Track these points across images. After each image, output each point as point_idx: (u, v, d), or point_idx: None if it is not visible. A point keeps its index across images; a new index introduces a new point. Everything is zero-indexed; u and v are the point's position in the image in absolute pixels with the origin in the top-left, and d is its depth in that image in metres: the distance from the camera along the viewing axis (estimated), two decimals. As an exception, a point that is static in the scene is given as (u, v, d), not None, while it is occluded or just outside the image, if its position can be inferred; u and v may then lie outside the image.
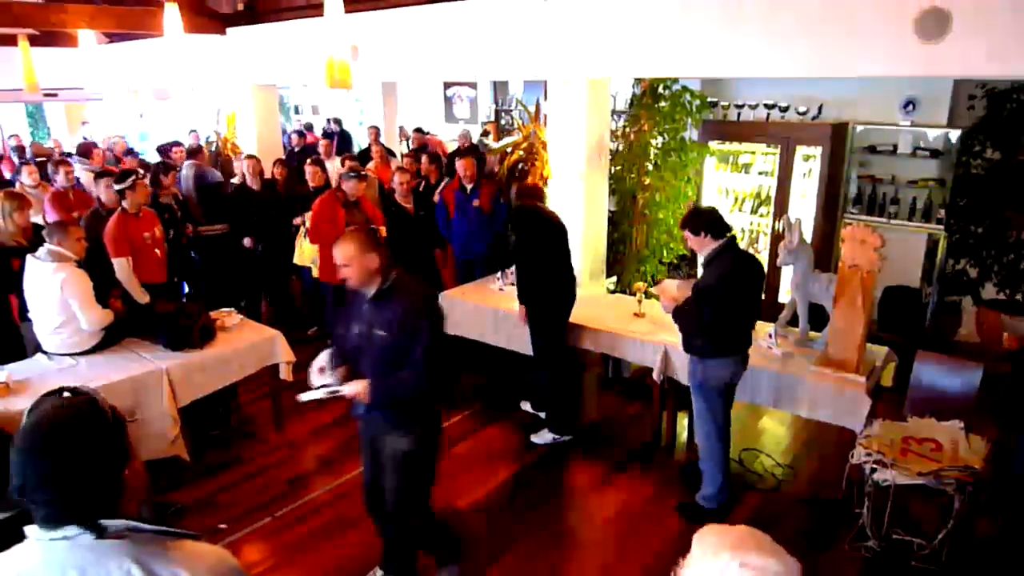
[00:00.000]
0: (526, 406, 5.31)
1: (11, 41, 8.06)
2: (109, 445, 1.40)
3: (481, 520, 4.11)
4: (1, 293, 4.91)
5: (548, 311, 4.81)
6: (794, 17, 4.25)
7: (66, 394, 1.42)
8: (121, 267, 4.94)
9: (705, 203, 6.52)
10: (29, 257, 4.25)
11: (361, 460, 3.45)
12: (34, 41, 8.25)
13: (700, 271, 3.90)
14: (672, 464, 4.69)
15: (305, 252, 5.98)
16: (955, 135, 5.85)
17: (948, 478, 3.47)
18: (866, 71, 4.18)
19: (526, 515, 4.15)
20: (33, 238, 4.69)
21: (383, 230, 5.57)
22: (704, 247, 3.78)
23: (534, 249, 4.70)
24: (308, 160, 6.93)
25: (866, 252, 4.01)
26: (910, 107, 6.03)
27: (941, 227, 5.97)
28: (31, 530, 1.36)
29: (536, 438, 4.93)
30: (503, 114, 12.67)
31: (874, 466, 3.61)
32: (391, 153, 9.30)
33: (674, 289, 3.99)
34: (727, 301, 3.72)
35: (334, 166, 7.74)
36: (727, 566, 1.10)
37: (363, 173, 6.06)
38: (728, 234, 3.79)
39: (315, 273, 5.68)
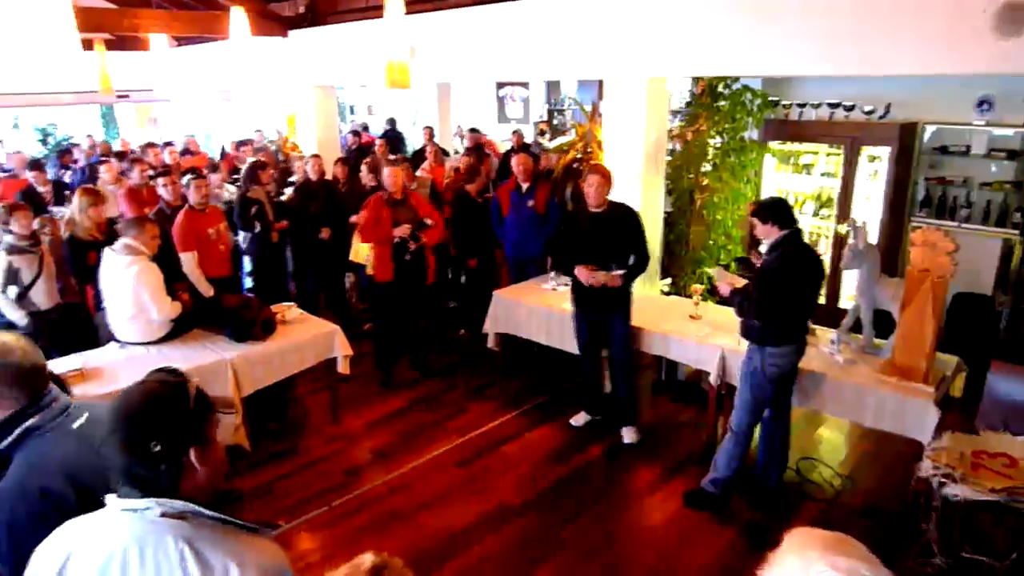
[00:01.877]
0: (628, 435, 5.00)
1: (87, 46, 8.45)
2: (176, 427, 1.46)
3: (532, 519, 4.11)
4: (78, 285, 5.14)
5: None
6: (858, 12, 4.12)
7: (162, 374, 1.53)
8: (187, 261, 5.12)
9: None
10: (106, 250, 4.43)
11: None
12: (109, 45, 8.63)
13: (764, 258, 3.90)
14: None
15: (360, 250, 6.08)
16: (1035, 135, 5.59)
17: (1021, 496, 3.31)
18: (935, 68, 4.02)
19: (577, 516, 4.13)
20: (108, 232, 4.88)
21: (432, 223, 5.60)
22: (770, 235, 3.82)
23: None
24: (364, 160, 7.05)
25: (937, 256, 3.86)
26: (985, 106, 5.77)
27: (1017, 232, 5.69)
28: (109, 499, 1.47)
29: (627, 438, 4.91)
30: (555, 114, 12.66)
31: (943, 480, 3.47)
32: (445, 153, 9.38)
33: (732, 277, 4.04)
34: (788, 287, 3.74)
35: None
36: (813, 565, 1.07)
37: (396, 158, 6.15)
38: (794, 226, 3.82)
39: (369, 271, 5.77)
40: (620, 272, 4.56)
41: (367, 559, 1.22)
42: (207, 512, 1.46)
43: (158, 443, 1.43)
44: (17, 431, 1.77)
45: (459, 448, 4.87)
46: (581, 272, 4.57)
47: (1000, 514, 3.44)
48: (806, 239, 6.55)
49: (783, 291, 3.74)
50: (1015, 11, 3.64)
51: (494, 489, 4.40)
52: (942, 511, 3.53)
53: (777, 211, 3.82)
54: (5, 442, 1.76)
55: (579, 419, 5.14)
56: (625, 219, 4.70)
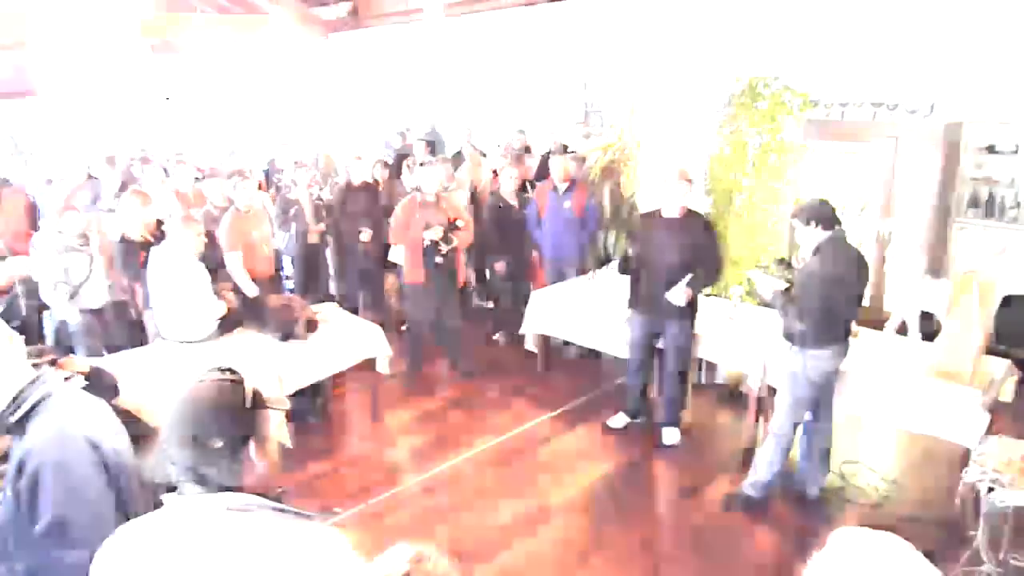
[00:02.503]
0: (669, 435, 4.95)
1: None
2: (235, 424, 1.54)
3: (572, 519, 4.12)
4: (128, 283, 5.29)
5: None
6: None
7: (219, 373, 1.59)
8: (233, 261, 5.23)
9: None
10: (153, 250, 4.57)
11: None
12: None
13: (807, 260, 3.84)
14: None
15: (396, 251, 6.12)
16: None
17: (1075, 501, 3.23)
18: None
19: (616, 517, 4.13)
20: (158, 233, 5.02)
21: (463, 226, 5.64)
22: (812, 238, 3.76)
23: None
24: (406, 162, 7.12)
25: (985, 257, 3.78)
26: (1035, 104, 5.61)
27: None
28: (172, 496, 1.52)
29: (668, 439, 4.87)
30: (591, 115, 12.59)
31: (991, 485, 3.40)
32: (483, 154, 9.42)
33: (772, 280, 3.99)
34: (831, 289, 3.69)
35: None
36: (859, 563, 1.07)
37: (434, 160, 6.22)
38: (837, 227, 3.76)
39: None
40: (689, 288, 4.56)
41: (407, 548, 1.26)
42: (270, 503, 1.53)
43: (220, 440, 1.51)
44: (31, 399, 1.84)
45: (497, 448, 4.90)
46: (679, 295, 4.51)
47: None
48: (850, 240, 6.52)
49: (824, 293, 3.69)
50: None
51: (533, 489, 4.42)
52: (990, 517, 3.46)
53: (819, 212, 3.77)
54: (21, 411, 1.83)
55: (618, 421, 5.12)
56: (701, 226, 4.67)
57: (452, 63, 5.22)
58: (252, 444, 1.56)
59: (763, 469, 4.08)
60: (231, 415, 1.53)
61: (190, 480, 1.51)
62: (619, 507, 4.23)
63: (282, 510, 1.53)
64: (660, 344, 4.92)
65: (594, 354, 5.61)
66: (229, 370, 1.61)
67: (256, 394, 1.59)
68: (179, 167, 6.83)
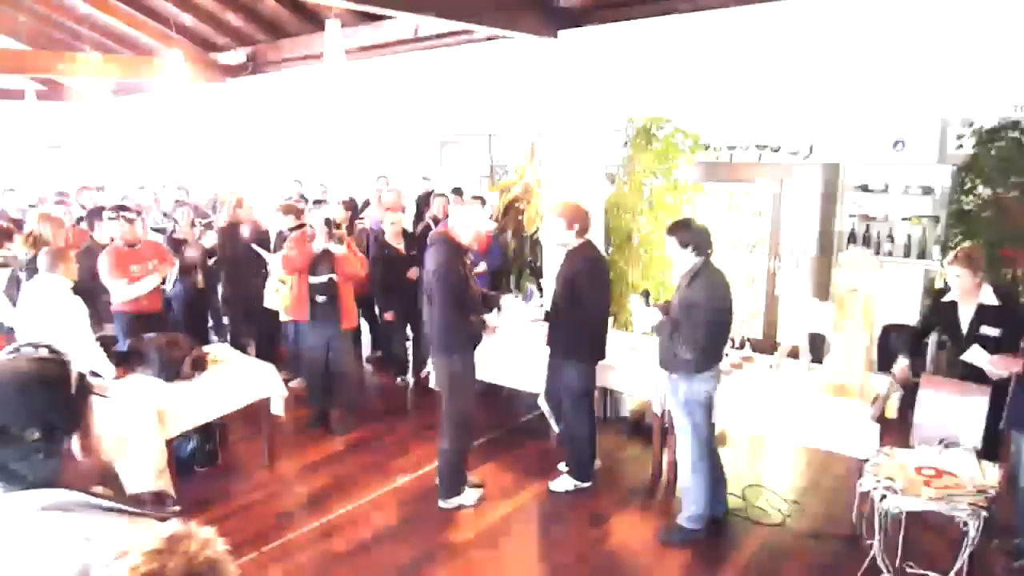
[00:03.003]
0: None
1: (18, 96, 8.26)
2: (57, 411, 1.31)
3: (478, 555, 3.95)
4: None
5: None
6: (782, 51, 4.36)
7: (34, 349, 1.35)
8: (119, 288, 4.92)
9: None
10: (26, 284, 4.24)
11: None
12: (40, 96, 8.45)
13: (680, 284, 3.90)
14: (675, 500, 4.53)
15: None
16: (945, 172, 5.94)
17: (961, 503, 3.35)
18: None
19: (522, 553, 4.00)
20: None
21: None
22: (685, 262, 3.85)
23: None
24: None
25: (864, 275, 3.99)
26: (899, 146, 6.12)
27: (937, 263, 5.97)
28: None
29: (556, 486, 4.62)
30: (497, 169, 12.84)
31: (884, 493, 3.49)
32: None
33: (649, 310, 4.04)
34: (713, 313, 3.79)
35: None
36: None
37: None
38: (709, 251, 3.86)
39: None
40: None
41: (166, 527, 1.08)
42: (95, 500, 1.28)
43: (37, 430, 1.27)
44: None
45: (401, 489, 4.69)
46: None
47: (941, 525, 3.48)
48: (742, 276, 6.81)
49: (709, 318, 3.77)
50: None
51: (438, 528, 4.22)
52: (884, 525, 3.54)
53: (695, 238, 3.80)
54: None
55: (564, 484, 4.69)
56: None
57: (353, 108, 5.19)
58: (75, 437, 1.32)
59: (693, 502, 4.01)
60: (52, 400, 1.30)
61: None
62: (526, 542, 4.10)
63: (112, 508, 1.28)
64: None
65: (493, 389, 5.52)
66: (46, 347, 1.36)
67: (81, 377, 1.36)
68: (58, 206, 6.42)
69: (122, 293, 5.02)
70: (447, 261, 4.05)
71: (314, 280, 5.35)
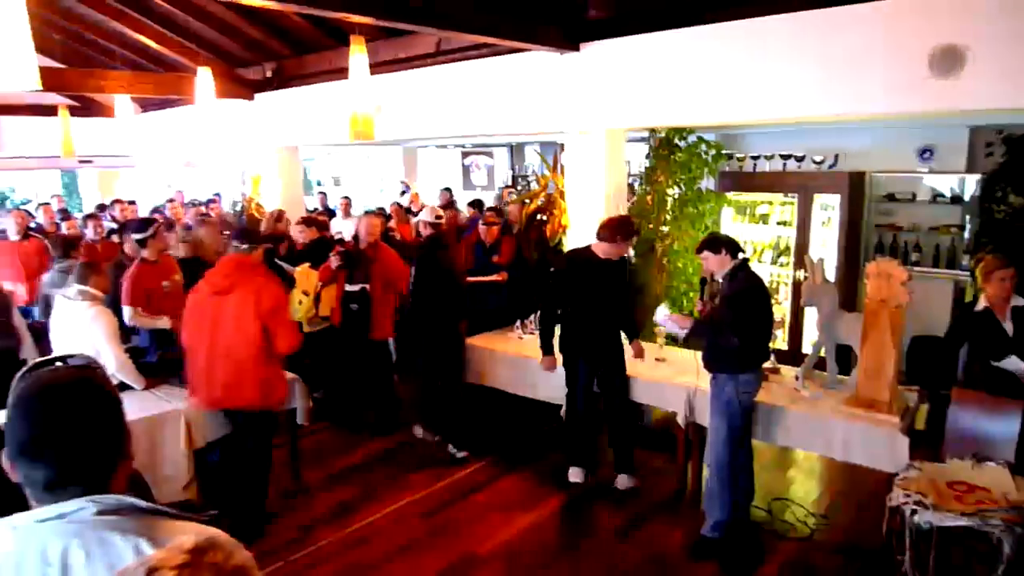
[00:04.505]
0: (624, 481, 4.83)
1: (52, 112, 8.47)
2: (112, 411, 1.35)
3: (503, 567, 3.94)
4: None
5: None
6: (803, 60, 4.34)
7: (64, 364, 1.37)
8: (128, 314, 4.88)
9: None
10: (59, 296, 4.30)
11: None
12: (73, 112, 8.65)
13: (723, 283, 3.94)
14: (700, 513, 4.49)
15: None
16: (974, 181, 5.85)
17: (994, 519, 3.28)
18: (876, 108, 4.22)
19: (549, 563, 3.98)
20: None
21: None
22: (724, 265, 3.89)
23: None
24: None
25: (893, 287, 3.94)
26: (927, 155, 6.05)
27: (967, 273, 5.88)
28: (10, 520, 1.27)
29: (624, 483, 4.77)
30: (519, 179, 12.91)
31: (914, 508, 3.43)
32: (409, 211, 9.48)
33: (677, 315, 4.11)
34: (760, 306, 3.85)
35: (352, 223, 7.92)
36: None
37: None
38: (742, 253, 3.94)
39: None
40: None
41: (190, 537, 1.06)
42: (142, 504, 1.31)
43: (104, 431, 1.31)
44: None
45: (425, 499, 4.70)
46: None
47: (972, 543, 3.40)
48: (766, 284, 6.76)
49: (757, 310, 3.83)
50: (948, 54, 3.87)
51: (462, 538, 4.23)
52: (915, 541, 3.48)
53: (726, 241, 3.94)
54: None
55: (576, 475, 4.89)
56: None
57: (378, 117, 5.24)
58: (125, 441, 1.36)
59: (715, 509, 4.00)
60: (104, 404, 1.33)
61: (59, 486, 1.26)
62: (552, 553, 4.08)
63: (157, 512, 1.32)
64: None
65: (521, 401, 5.53)
66: (81, 357, 1.39)
67: (119, 385, 1.43)
68: (87, 221, 6.55)
69: (128, 317, 4.88)
70: None
71: (349, 288, 5.54)
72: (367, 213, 6.12)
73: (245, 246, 4.08)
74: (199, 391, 4.09)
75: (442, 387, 5.46)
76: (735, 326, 3.79)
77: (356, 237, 5.74)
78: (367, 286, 5.54)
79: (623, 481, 4.78)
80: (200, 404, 4.12)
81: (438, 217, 5.51)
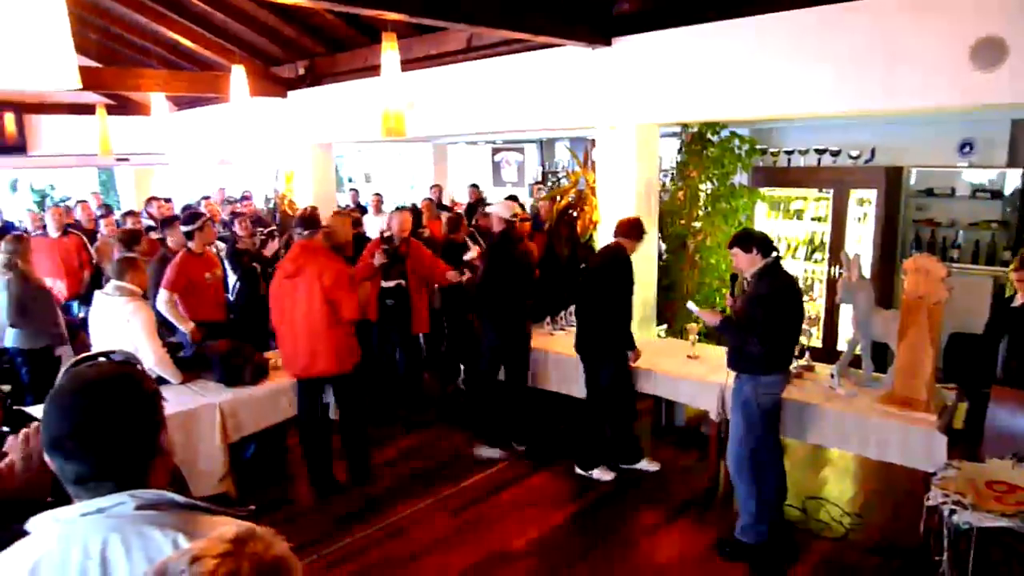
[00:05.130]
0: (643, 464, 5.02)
1: (90, 110, 8.65)
2: (147, 407, 1.36)
3: (534, 563, 3.96)
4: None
5: None
6: (840, 53, 4.27)
7: (104, 359, 1.41)
8: (162, 298, 4.99)
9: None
10: (97, 293, 4.40)
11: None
12: (110, 110, 8.83)
13: (751, 283, 3.87)
14: (731, 512, 4.46)
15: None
16: (1016, 175, 5.70)
17: (1036, 521, 3.21)
18: (916, 103, 4.14)
19: (579, 560, 3.98)
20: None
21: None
22: (754, 264, 3.82)
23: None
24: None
25: (931, 283, 3.87)
26: (967, 148, 5.92)
27: (1007, 269, 5.73)
28: (55, 513, 1.30)
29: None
30: (549, 176, 12.88)
31: (953, 508, 3.37)
32: (442, 207, 9.52)
33: (709, 310, 4.07)
34: (784, 310, 3.76)
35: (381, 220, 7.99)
36: None
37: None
38: (774, 252, 3.86)
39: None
40: None
41: (231, 528, 1.07)
42: (180, 499, 1.33)
43: (137, 425, 1.32)
44: None
45: (456, 494, 4.73)
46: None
47: (1012, 544, 3.33)
48: (801, 284, 6.66)
49: (781, 314, 3.75)
50: (991, 46, 3.78)
51: (494, 534, 4.25)
52: (954, 541, 3.42)
53: (759, 239, 3.86)
54: None
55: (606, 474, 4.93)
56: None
57: (409, 114, 5.26)
58: (163, 434, 1.38)
59: (745, 512, 3.95)
60: (144, 398, 1.35)
61: (96, 480, 1.28)
62: (582, 550, 4.08)
63: (196, 507, 1.34)
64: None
65: (551, 397, 5.54)
66: (121, 353, 1.42)
67: (157, 379, 1.45)
68: (126, 218, 6.68)
69: (161, 301, 5.00)
70: None
71: (385, 285, 5.63)
72: (398, 209, 6.14)
73: (307, 232, 4.52)
74: (290, 365, 4.59)
75: (508, 385, 5.35)
76: (755, 330, 3.73)
77: (387, 235, 5.78)
78: (402, 282, 5.65)
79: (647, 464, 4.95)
80: (293, 376, 4.62)
81: (514, 214, 5.22)
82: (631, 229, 4.79)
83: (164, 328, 4.82)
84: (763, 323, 3.72)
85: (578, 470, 4.93)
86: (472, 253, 6.18)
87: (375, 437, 5.62)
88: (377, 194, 9.90)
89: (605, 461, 4.92)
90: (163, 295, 4.97)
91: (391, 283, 5.67)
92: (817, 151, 6.46)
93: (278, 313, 4.56)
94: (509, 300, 5.15)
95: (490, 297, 5.18)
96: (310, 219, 4.66)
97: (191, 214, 5.57)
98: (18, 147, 10.42)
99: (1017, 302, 3.98)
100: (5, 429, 2.08)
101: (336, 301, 4.38)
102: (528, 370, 5.40)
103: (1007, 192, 5.85)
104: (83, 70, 5.41)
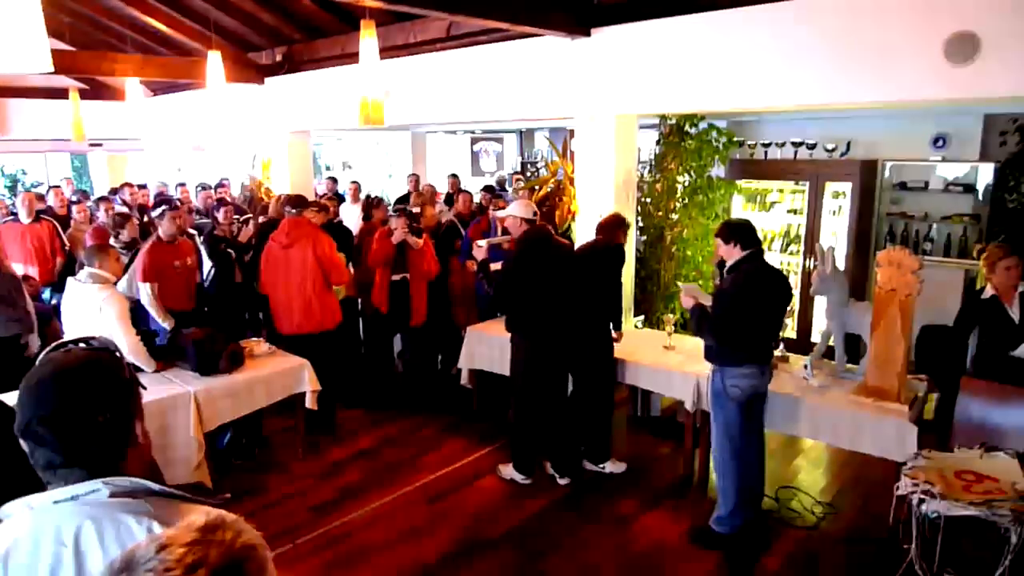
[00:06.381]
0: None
1: (63, 95, 8.49)
2: (121, 395, 1.35)
3: (509, 551, 3.97)
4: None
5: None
6: (819, 46, 4.30)
7: (83, 344, 1.39)
8: (145, 291, 5.00)
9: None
10: (70, 280, 4.33)
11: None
12: (84, 95, 8.67)
13: (724, 278, 3.89)
14: (706, 500, 4.51)
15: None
16: (987, 169, 5.79)
17: (1003, 509, 3.28)
18: (892, 95, 4.18)
19: (552, 550, 4.00)
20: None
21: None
22: (732, 256, 3.80)
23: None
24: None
25: (903, 275, 3.92)
26: (940, 143, 5.99)
27: (978, 263, 5.83)
28: (28, 500, 1.29)
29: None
30: (528, 166, 12.88)
31: (922, 497, 3.43)
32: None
33: (697, 291, 3.99)
34: (744, 307, 3.69)
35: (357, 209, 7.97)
36: None
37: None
38: (756, 247, 3.81)
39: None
40: None
41: (199, 517, 1.06)
42: (154, 487, 1.32)
43: (108, 414, 1.31)
44: None
45: (432, 483, 4.73)
46: None
47: (982, 532, 3.40)
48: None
49: (739, 311, 3.69)
50: (964, 40, 3.83)
51: (469, 523, 4.26)
52: (923, 530, 3.48)
53: (740, 231, 3.82)
54: None
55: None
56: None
57: (387, 102, 5.22)
58: (138, 422, 1.37)
59: (722, 504, 3.98)
60: (117, 385, 1.34)
61: (66, 467, 1.28)
62: (555, 539, 4.10)
63: (171, 495, 1.33)
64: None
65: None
66: (95, 340, 1.41)
67: (129, 366, 1.42)
68: (99, 204, 6.57)
69: (146, 297, 5.07)
70: None
71: (393, 278, 5.79)
72: (393, 215, 6.01)
73: (295, 210, 5.24)
74: (282, 323, 5.25)
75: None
76: (713, 324, 3.73)
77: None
78: (407, 275, 5.80)
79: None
80: (286, 332, 5.24)
81: (535, 212, 4.71)
82: (614, 228, 4.78)
83: (136, 316, 4.76)
84: (717, 317, 3.72)
85: (589, 465, 4.88)
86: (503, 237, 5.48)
87: (366, 423, 5.64)
88: (355, 182, 9.82)
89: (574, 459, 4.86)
90: (144, 288, 4.93)
91: (398, 276, 5.80)
92: (794, 144, 6.51)
93: (272, 278, 5.20)
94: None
95: (553, 310, 4.52)
96: (298, 199, 5.28)
97: (159, 202, 5.52)
98: (-12, 131, 10.20)
99: (987, 294, 4.06)
100: None
101: (326, 268, 5.12)
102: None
103: (979, 186, 5.94)
104: (56, 53, 5.30)
